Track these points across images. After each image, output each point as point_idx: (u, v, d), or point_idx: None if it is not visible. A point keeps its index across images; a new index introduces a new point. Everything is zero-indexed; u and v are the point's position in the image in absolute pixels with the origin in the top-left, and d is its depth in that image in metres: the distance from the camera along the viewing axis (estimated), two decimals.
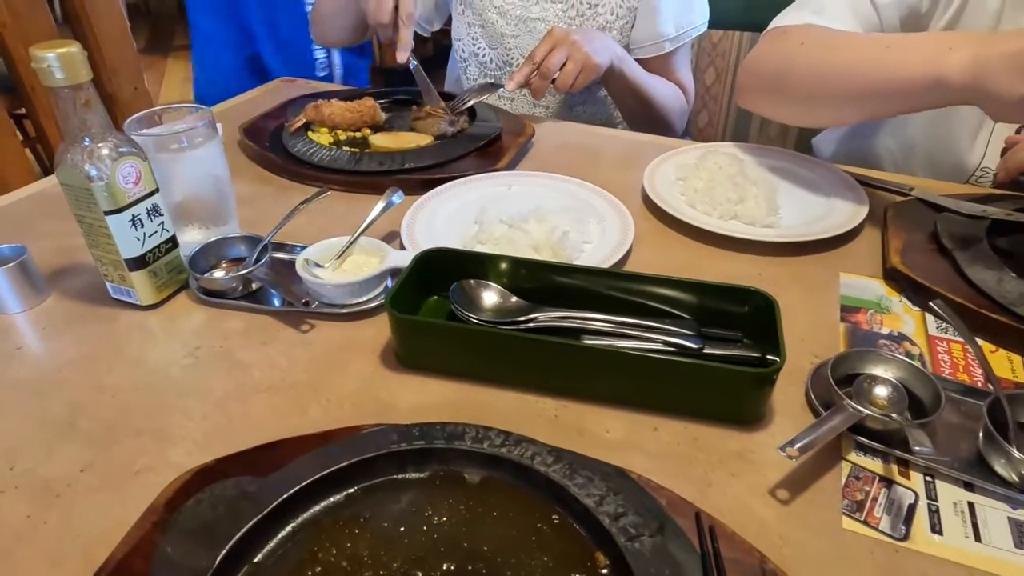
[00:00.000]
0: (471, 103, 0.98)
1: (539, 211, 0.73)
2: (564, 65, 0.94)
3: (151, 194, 0.60)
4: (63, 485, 0.47)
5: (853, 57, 0.72)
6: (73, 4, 2.06)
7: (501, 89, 1.05)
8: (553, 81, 0.96)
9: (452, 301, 0.59)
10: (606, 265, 0.66)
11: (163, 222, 0.62)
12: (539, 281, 0.61)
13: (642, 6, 1.10)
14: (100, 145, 0.56)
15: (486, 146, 0.90)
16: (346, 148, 0.88)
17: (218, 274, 0.67)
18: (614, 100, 1.12)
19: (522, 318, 0.59)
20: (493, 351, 0.54)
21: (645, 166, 0.85)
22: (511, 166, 0.88)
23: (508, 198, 0.80)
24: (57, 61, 0.52)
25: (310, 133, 0.93)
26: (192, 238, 0.71)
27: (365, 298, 0.63)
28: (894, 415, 0.48)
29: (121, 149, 0.57)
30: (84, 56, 0.54)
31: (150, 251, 0.62)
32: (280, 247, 0.71)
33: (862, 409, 0.48)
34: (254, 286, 0.65)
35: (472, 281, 0.61)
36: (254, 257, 0.66)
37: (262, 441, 0.47)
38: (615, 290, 0.60)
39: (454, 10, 1.22)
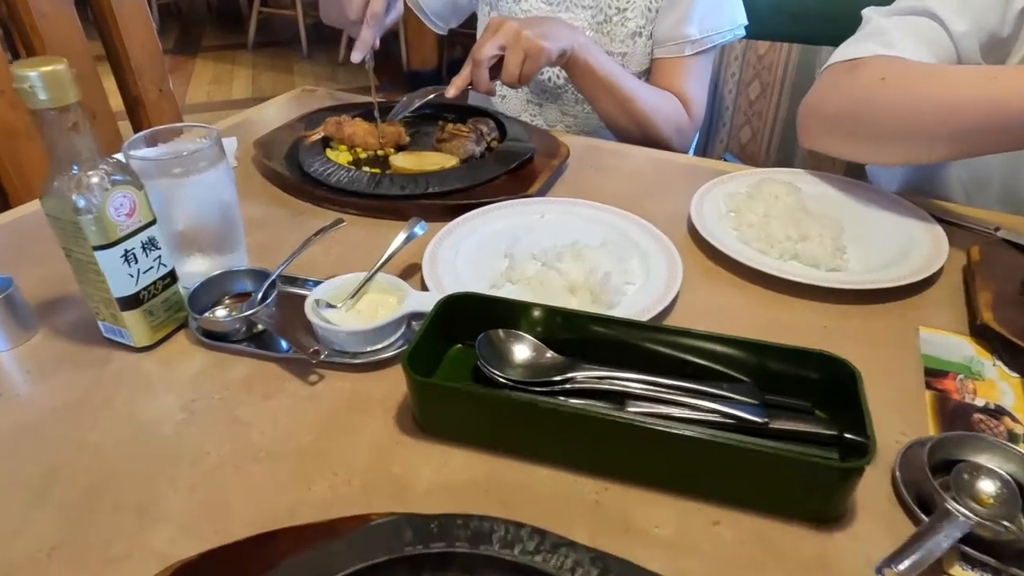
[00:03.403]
0: (410, 110, 0.88)
1: (576, 247, 0.66)
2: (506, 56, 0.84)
3: (147, 226, 0.54)
4: (25, 573, 0.40)
5: (952, 91, 0.65)
6: (100, 5, 2.04)
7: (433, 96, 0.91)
8: (499, 76, 0.86)
9: (479, 355, 0.52)
10: (652, 313, 0.59)
11: (160, 256, 0.56)
12: (577, 333, 0.54)
13: (666, 2, 1.00)
14: (90, 174, 0.50)
15: (517, 168, 0.83)
16: (366, 169, 0.82)
17: (220, 313, 0.61)
18: (588, 101, 0.99)
19: (558, 377, 0.52)
20: (527, 422, 0.47)
21: (689, 192, 0.77)
22: (543, 191, 0.81)
23: (541, 228, 0.73)
24: (40, 81, 0.46)
25: (328, 151, 0.87)
26: (195, 269, 0.65)
27: (380, 346, 0.57)
28: (1008, 523, 0.40)
29: (114, 177, 0.51)
30: (71, 75, 0.48)
31: (145, 289, 0.55)
32: (290, 280, 0.65)
33: (973, 516, 0.40)
34: (260, 327, 0.59)
35: (501, 332, 0.54)
36: (260, 295, 0.60)
37: (258, 523, 0.41)
38: (664, 345, 0.52)
39: (480, 11, 1.15)
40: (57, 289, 0.64)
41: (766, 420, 0.48)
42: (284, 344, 0.57)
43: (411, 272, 0.68)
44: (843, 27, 1.21)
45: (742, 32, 1.07)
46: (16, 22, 1.86)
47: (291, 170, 0.82)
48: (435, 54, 3.62)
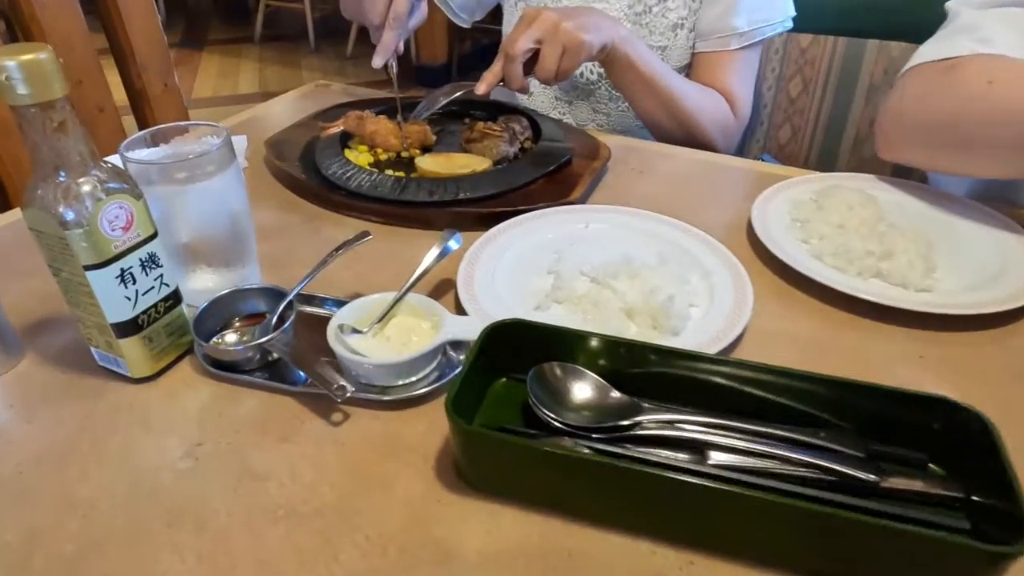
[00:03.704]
0: (436, 108, 0.81)
1: (630, 262, 0.59)
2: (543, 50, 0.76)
3: (146, 241, 0.47)
4: None
5: None
6: None
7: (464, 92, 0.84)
8: (533, 72, 0.79)
9: (530, 394, 0.45)
10: (723, 343, 0.51)
11: (161, 275, 0.49)
12: (643, 367, 0.47)
13: None
14: (80, 181, 0.43)
15: (555, 172, 0.75)
16: (388, 172, 0.74)
17: (230, 338, 0.53)
18: (627, 100, 0.91)
19: (625, 422, 0.44)
20: (595, 481, 0.40)
21: (743, 198, 0.70)
22: (584, 197, 0.74)
23: (586, 240, 0.65)
24: (20, 72, 0.39)
25: (347, 151, 0.79)
26: (201, 285, 0.57)
27: (414, 378, 0.49)
28: None
29: (108, 185, 0.44)
30: (57, 65, 0.40)
31: (144, 312, 0.48)
32: (306, 298, 0.57)
33: None
34: (274, 354, 0.51)
35: (557, 368, 0.46)
36: (274, 319, 0.52)
37: None
38: (745, 383, 0.45)
39: (506, 4, 1.08)
40: (47, 306, 0.57)
41: (877, 479, 0.40)
42: (302, 374, 0.50)
43: (443, 289, 0.61)
44: (897, 20, 1.14)
45: (790, 24, 0.99)
46: (16, 13, 1.79)
47: (306, 172, 0.75)
48: (445, 48, 3.53)
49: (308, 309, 0.57)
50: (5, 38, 1.90)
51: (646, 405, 0.45)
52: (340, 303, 0.57)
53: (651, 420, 0.44)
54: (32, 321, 0.57)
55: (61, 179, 0.42)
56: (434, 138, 0.81)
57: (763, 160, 1.29)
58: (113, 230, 0.44)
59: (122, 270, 0.46)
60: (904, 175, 1.14)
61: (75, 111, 0.42)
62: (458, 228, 0.66)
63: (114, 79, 1.90)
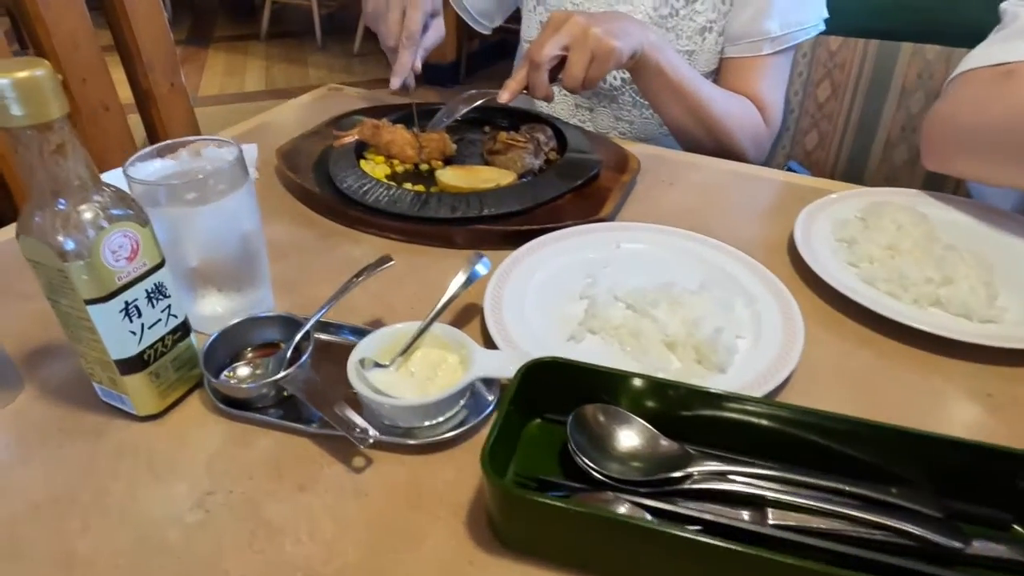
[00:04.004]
0: (456, 117, 0.77)
1: (669, 288, 0.55)
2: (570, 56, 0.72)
3: (153, 270, 0.43)
4: None
5: None
6: None
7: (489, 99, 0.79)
8: (559, 78, 0.75)
9: (571, 440, 0.41)
10: (774, 383, 0.47)
11: (169, 306, 0.45)
12: (692, 410, 0.43)
13: None
14: (81, 208, 0.39)
15: (583, 185, 0.71)
16: (407, 186, 0.70)
17: (242, 371, 0.50)
18: (654, 107, 0.87)
19: (675, 473, 0.40)
20: (642, 547, 0.36)
21: (780, 213, 0.66)
22: (614, 214, 0.70)
23: (619, 262, 0.61)
24: (14, 91, 0.35)
25: (363, 162, 0.75)
26: (210, 310, 0.54)
27: (440, 419, 0.45)
28: None
29: (112, 211, 0.40)
30: (56, 82, 0.36)
31: (150, 347, 0.44)
32: (322, 325, 0.54)
33: None
34: (289, 389, 0.48)
35: (599, 412, 0.42)
36: (289, 351, 0.49)
37: None
38: (807, 430, 0.41)
39: (524, 6, 1.03)
40: (48, 332, 0.54)
41: (961, 545, 0.36)
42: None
43: (468, 314, 0.57)
44: (932, 20, 1.09)
45: (822, 27, 0.94)
46: (21, 10, 1.76)
47: (320, 185, 0.71)
48: (453, 47, 3.48)
49: (324, 337, 0.54)
50: (10, 36, 1.86)
51: (697, 453, 0.41)
52: (358, 331, 0.54)
53: (703, 472, 0.41)
54: (32, 348, 0.53)
55: (60, 206, 0.39)
56: (454, 147, 0.77)
57: (789, 167, 1.24)
58: (117, 260, 0.41)
59: (126, 303, 0.42)
60: (938, 184, 1.10)
61: (75, 131, 0.38)
62: (482, 246, 0.63)
63: (119, 75, 1.87)
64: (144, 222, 0.42)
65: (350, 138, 0.76)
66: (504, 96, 0.75)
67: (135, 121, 1.92)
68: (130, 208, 0.42)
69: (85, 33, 1.82)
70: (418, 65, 0.81)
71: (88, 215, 0.39)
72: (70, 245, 0.39)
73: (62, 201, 0.39)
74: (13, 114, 0.35)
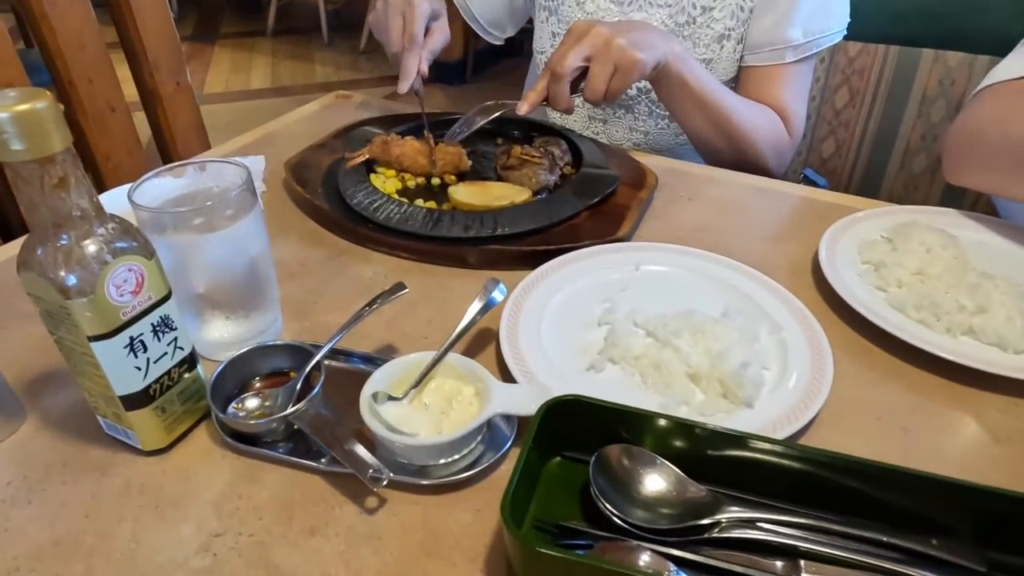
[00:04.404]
0: (473, 129, 0.74)
1: (692, 316, 0.53)
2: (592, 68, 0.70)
3: (159, 303, 0.42)
4: None
5: None
6: None
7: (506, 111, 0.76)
8: (581, 90, 0.73)
9: (593, 484, 0.39)
10: (803, 420, 0.45)
11: (176, 338, 0.43)
12: (720, 450, 0.41)
13: (762, 0, 0.85)
14: (85, 243, 0.38)
15: (599, 203, 0.69)
16: (419, 203, 0.69)
17: (251, 403, 0.48)
18: (676, 118, 0.85)
19: (703, 521, 0.39)
20: None
21: (803, 231, 0.64)
22: (631, 233, 0.68)
23: (639, 284, 0.59)
24: (14, 125, 0.33)
25: (373, 176, 0.74)
26: (217, 336, 0.52)
27: (456, 457, 0.44)
28: None
29: (117, 245, 0.39)
30: (58, 113, 0.35)
31: (156, 381, 0.43)
32: (333, 352, 0.52)
33: None
34: (299, 425, 0.46)
35: (624, 456, 0.41)
36: (299, 383, 0.47)
37: None
38: (842, 474, 0.39)
39: (536, 17, 1.01)
40: (51, 357, 0.52)
41: None
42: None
43: (483, 339, 0.55)
44: (954, 26, 1.06)
45: (844, 32, 0.92)
46: (26, 10, 1.74)
47: (330, 201, 0.69)
48: (461, 45, 3.46)
49: (335, 363, 0.52)
50: (15, 33, 1.84)
51: (725, 497, 0.40)
52: (369, 359, 0.52)
53: (732, 519, 0.39)
54: (34, 375, 0.52)
55: (63, 241, 0.37)
56: (469, 163, 0.75)
57: (805, 175, 1.22)
58: (121, 295, 0.39)
59: (131, 338, 0.40)
60: (956, 199, 1.08)
61: (77, 161, 0.37)
62: (496, 266, 0.61)
63: (123, 72, 1.85)
64: (150, 254, 0.41)
65: (361, 158, 0.74)
66: (523, 108, 0.73)
67: (140, 119, 1.91)
68: (135, 240, 0.40)
69: (91, 32, 1.80)
70: (424, 69, 0.79)
71: (92, 249, 0.38)
72: (72, 281, 0.37)
73: (65, 235, 0.37)
74: (13, 149, 0.34)
